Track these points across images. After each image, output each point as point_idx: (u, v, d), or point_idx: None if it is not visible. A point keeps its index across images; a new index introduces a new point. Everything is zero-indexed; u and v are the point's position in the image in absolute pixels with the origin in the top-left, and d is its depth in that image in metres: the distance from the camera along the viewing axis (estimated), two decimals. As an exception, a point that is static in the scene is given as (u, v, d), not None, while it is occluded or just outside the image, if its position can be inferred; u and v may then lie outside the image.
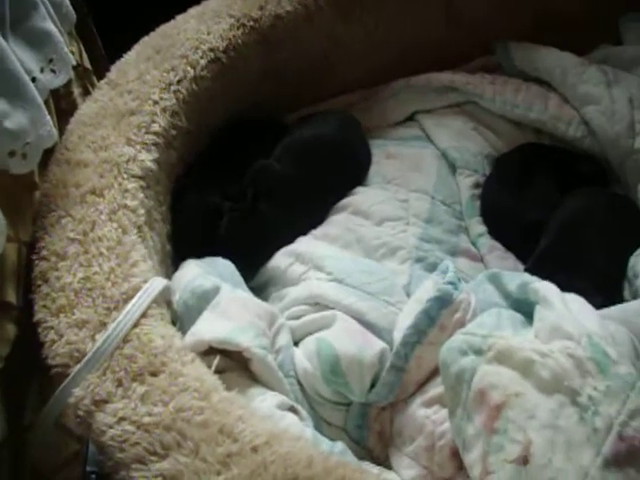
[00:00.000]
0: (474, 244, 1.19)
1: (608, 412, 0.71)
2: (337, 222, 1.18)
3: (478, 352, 0.81)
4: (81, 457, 1.14)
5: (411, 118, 1.42)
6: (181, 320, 0.94)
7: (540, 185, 1.23)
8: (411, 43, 1.45)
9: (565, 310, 0.84)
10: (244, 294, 1.00)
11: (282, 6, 1.29)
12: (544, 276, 0.93)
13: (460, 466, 0.84)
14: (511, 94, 1.35)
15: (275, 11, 1.28)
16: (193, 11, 1.27)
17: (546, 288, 0.88)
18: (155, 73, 1.13)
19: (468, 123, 1.37)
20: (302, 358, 0.95)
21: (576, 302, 0.88)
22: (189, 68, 1.16)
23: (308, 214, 1.19)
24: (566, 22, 1.46)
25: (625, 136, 1.23)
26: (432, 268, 1.06)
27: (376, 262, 1.10)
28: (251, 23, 1.25)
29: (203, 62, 1.18)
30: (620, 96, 1.26)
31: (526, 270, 1.08)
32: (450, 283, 0.93)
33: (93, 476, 1.18)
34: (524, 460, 0.72)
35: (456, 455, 0.84)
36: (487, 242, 1.19)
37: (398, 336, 0.93)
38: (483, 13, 1.46)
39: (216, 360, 0.86)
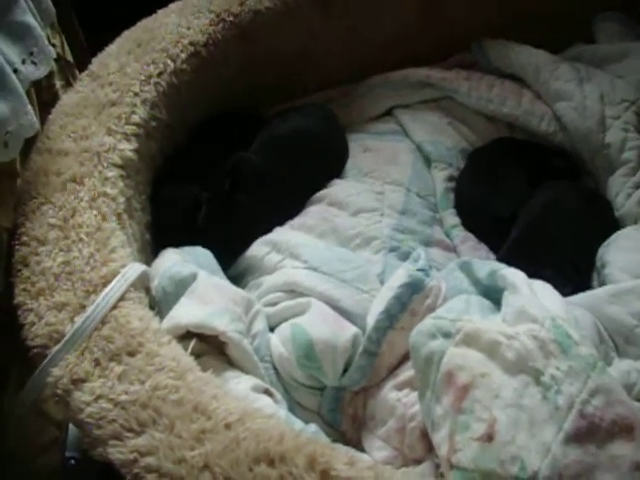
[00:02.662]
0: (448, 235, 1.22)
1: (570, 391, 0.74)
2: (314, 213, 1.20)
3: (447, 335, 0.84)
4: (60, 443, 1.16)
5: (388, 113, 1.45)
6: (159, 306, 0.96)
7: (512, 178, 1.26)
8: (389, 40, 1.47)
9: (531, 295, 0.86)
10: (221, 281, 1.02)
11: (262, 2, 1.32)
12: (515, 266, 0.95)
13: (430, 448, 0.86)
14: (486, 89, 1.37)
15: (255, 7, 1.31)
16: (174, 6, 1.30)
17: (513, 274, 0.91)
18: (136, 66, 1.15)
19: (443, 118, 1.40)
20: (277, 343, 0.97)
21: (542, 288, 0.90)
22: (169, 61, 1.18)
23: (285, 205, 1.21)
24: (541, 21, 1.49)
25: (596, 131, 1.25)
26: (406, 257, 1.08)
27: (351, 251, 1.13)
28: (231, 18, 1.28)
29: (183, 56, 1.20)
30: (591, 93, 1.29)
31: (498, 260, 1.11)
32: (421, 270, 0.96)
33: (72, 461, 1.20)
34: (489, 437, 0.75)
35: (426, 437, 0.86)
36: (460, 233, 1.21)
37: (371, 321, 0.95)
38: (460, 11, 1.49)
39: (192, 343, 0.88)
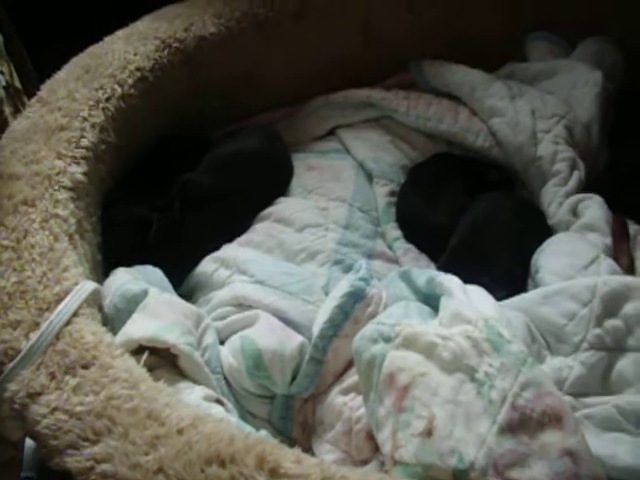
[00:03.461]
0: (390, 247, 1.26)
1: (502, 385, 0.78)
2: (260, 229, 1.23)
3: (387, 339, 0.88)
4: (17, 462, 1.17)
5: (331, 132, 1.49)
6: (112, 323, 0.98)
7: (451, 192, 1.30)
8: (331, 62, 1.52)
9: (466, 298, 0.91)
10: (172, 296, 1.05)
11: (206, 28, 1.36)
12: (453, 274, 0.99)
13: (375, 448, 0.90)
14: (424, 108, 1.42)
15: (199, 33, 1.35)
16: (120, 33, 1.33)
17: (449, 281, 0.95)
18: (84, 91, 1.18)
19: (384, 136, 1.44)
20: (227, 355, 1.00)
21: (476, 292, 0.95)
22: (117, 86, 1.21)
23: (233, 223, 1.24)
24: (477, 42, 1.55)
25: (528, 145, 1.30)
26: (349, 270, 1.11)
27: (296, 265, 1.17)
28: (176, 44, 1.32)
29: (130, 81, 1.23)
30: (523, 108, 1.34)
31: (437, 269, 1.15)
32: (362, 279, 1.00)
33: (28, 481, 1.21)
34: (428, 433, 0.79)
35: (372, 438, 0.90)
36: (402, 245, 1.25)
37: (316, 331, 0.99)
38: (399, 34, 1.54)
39: (145, 355, 0.91)
